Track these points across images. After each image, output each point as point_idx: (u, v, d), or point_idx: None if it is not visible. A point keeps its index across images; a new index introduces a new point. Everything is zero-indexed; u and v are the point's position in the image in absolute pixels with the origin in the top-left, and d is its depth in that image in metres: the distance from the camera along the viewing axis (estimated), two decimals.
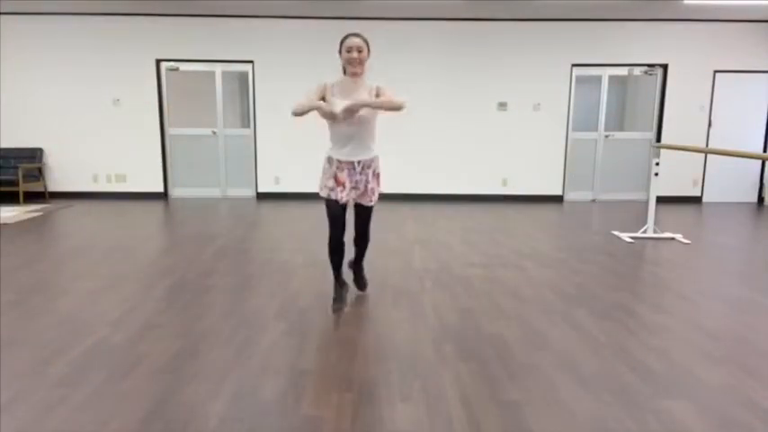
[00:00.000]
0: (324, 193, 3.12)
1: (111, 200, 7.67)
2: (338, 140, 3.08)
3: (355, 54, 2.94)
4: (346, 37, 2.99)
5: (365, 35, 3.03)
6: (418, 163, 7.84)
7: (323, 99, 2.99)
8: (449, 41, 7.66)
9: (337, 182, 3.07)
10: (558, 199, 8.02)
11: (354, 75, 2.99)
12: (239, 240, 5.15)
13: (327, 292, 3.57)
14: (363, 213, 3.25)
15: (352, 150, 3.07)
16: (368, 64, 3.03)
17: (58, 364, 2.49)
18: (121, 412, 2.09)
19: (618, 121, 8.09)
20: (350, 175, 3.09)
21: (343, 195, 3.07)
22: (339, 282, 3.37)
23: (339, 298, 3.32)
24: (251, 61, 7.69)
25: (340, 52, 3.01)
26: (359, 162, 3.09)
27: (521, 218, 6.57)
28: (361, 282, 3.58)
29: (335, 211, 3.10)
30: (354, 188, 3.13)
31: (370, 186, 3.15)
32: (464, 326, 3.03)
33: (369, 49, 3.01)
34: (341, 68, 3.05)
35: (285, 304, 3.36)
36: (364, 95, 3.00)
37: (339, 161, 3.08)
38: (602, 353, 2.68)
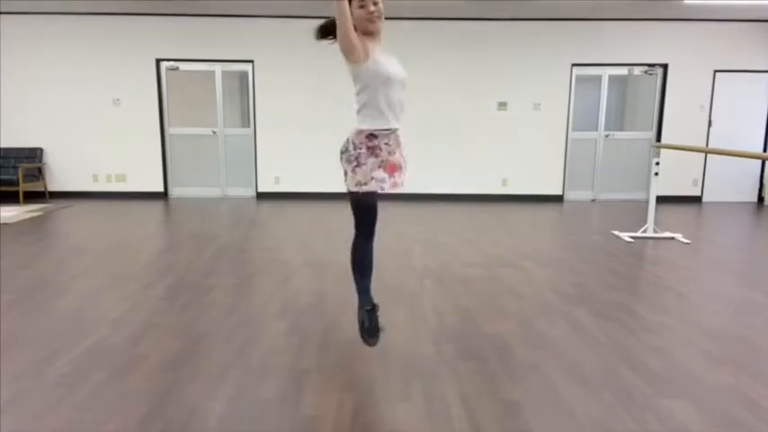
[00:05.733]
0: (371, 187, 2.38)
1: (111, 200, 7.66)
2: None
3: (371, 6, 2.30)
4: None
5: None
6: (418, 163, 7.80)
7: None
8: (449, 41, 7.66)
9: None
10: (557, 199, 8.02)
11: (374, 34, 2.37)
12: (239, 240, 5.14)
13: (327, 292, 3.57)
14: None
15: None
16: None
17: (58, 364, 2.49)
18: (121, 412, 2.09)
19: (618, 120, 8.09)
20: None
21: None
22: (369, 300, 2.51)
23: (375, 324, 2.47)
24: (251, 61, 7.69)
25: (350, 4, 2.28)
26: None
27: (521, 218, 6.57)
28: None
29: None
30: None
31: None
32: (464, 326, 3.03)
33: None
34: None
35: (285, 304, 3.35)
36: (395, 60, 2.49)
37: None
38: (602, 353, 2.68)
